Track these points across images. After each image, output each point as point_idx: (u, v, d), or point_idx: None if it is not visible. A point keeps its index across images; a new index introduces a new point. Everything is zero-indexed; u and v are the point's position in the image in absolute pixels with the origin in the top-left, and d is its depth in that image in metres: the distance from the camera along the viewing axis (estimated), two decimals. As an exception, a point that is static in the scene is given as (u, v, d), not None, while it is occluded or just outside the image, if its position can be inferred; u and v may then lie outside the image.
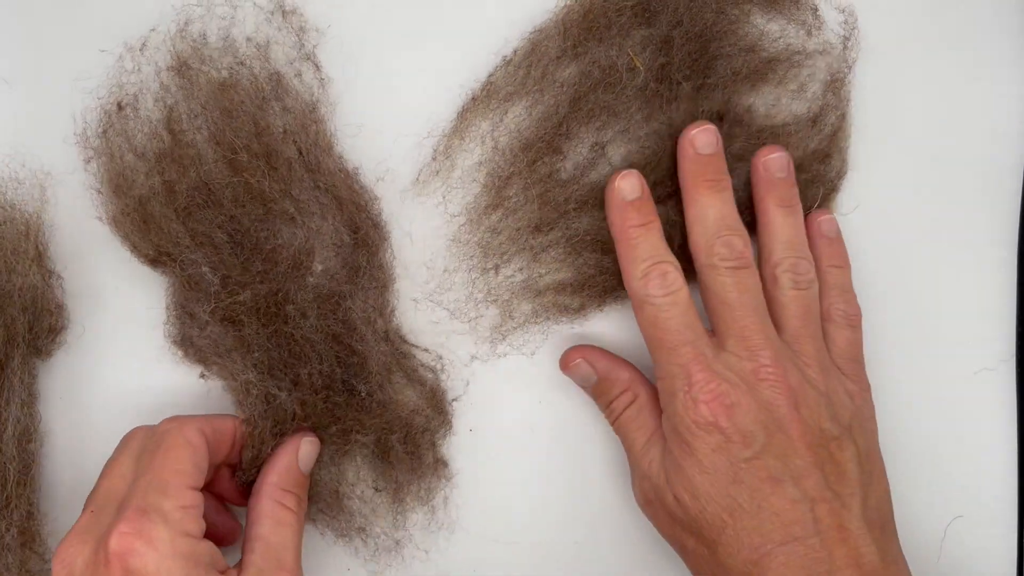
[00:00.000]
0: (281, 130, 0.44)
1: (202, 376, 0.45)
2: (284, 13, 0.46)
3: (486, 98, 0.46)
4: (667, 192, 0.46)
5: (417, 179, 0.46)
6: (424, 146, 0.46)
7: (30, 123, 0.46)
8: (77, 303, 0.46)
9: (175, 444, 0.39)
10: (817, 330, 0.43)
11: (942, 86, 0.47)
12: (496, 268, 0.46)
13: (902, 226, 0.47)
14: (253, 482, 0.43)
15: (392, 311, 0.46)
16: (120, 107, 0.45)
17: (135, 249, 0.45)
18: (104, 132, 0.45)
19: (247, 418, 0.43)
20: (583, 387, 0.46)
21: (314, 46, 0.46)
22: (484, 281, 0.46)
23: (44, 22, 0.47)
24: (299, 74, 0.45)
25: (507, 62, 0.46)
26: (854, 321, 0.44)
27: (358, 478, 0.45)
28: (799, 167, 0.45)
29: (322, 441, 0.44)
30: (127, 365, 0.46)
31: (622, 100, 0.45)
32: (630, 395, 0.44)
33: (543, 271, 0.46)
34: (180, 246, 0.44)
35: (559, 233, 0.46)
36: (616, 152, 0.46)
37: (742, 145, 0.45)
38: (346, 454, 0.45)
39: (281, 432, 0.43)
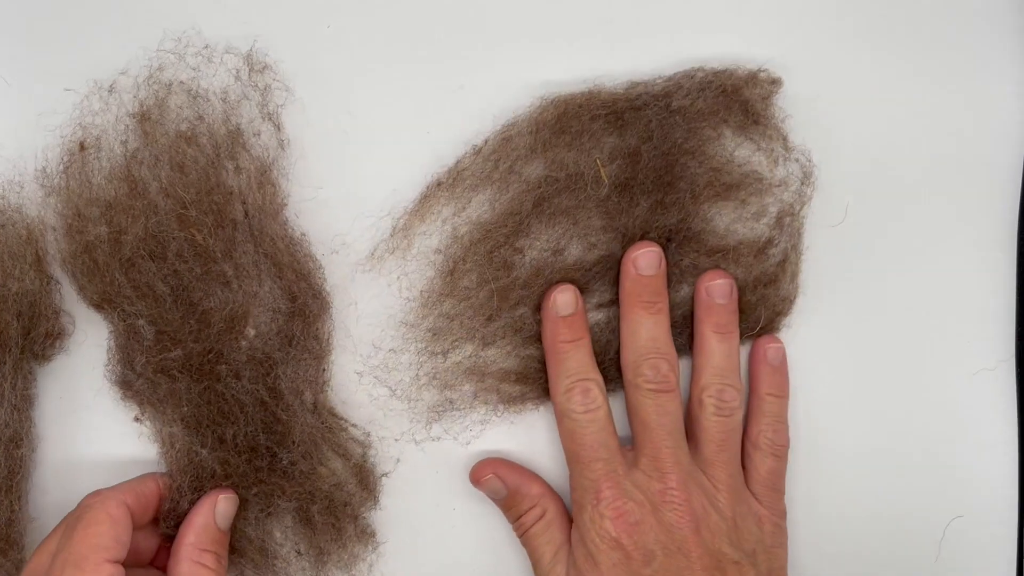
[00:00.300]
0: (231, 190, 0.44)
1: (136, 419, 0.46)
2: (252, 71, 0.45)
3: (451, 184, 0.46)
4: (616, 296, 0.46)
5: (372, 254, 0.46)
6: (383, 224, 0.46)
7: (36, 126, 0.45)
8: (82, 308, 0.46)
9: (95, 519, 0.40)
10: (734, 456, 0.45)
11: (941, 85, 0.47)
12: (445, 354, 0.46)
13: (902, 227, 0.47)
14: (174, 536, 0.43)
15: (325, 384, 0.46)
16: (83, 147, 0.44)
17: (81, 291, 0.45)
18: (65, 171, 0.44)
19: (168, 471, 0.44)
20: (493, 500, 0.47)
21: (279, 105, 0.45)
22: (431, 364, 0.46)
23: (48, 27, 0.46)
24: (258, 133, 0.45)
25: (477, 151, 0.46)
26: (780, 452, 0.46)
27: (285, 538, 0.46)
28: (747, 288, 0.46)
29: (246, 500, 0.44)
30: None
31: (584, 208, 0.46)
32: (539, 510, 0.45)
33: (491, 357, 0.47)
34: (121, 296, 0.44)
35: (509, 323, 0.46)
36: (571, 251, 0.46)
37: (692, 261, 0.46)
38: (271, 515, 0.45)
39: (200, 488, 0.44)
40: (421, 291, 0.46)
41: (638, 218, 0.45)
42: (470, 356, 0.46)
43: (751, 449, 0.46)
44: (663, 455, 0.43)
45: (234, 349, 0.44)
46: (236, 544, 0.45)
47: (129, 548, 0.41)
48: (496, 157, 0.46)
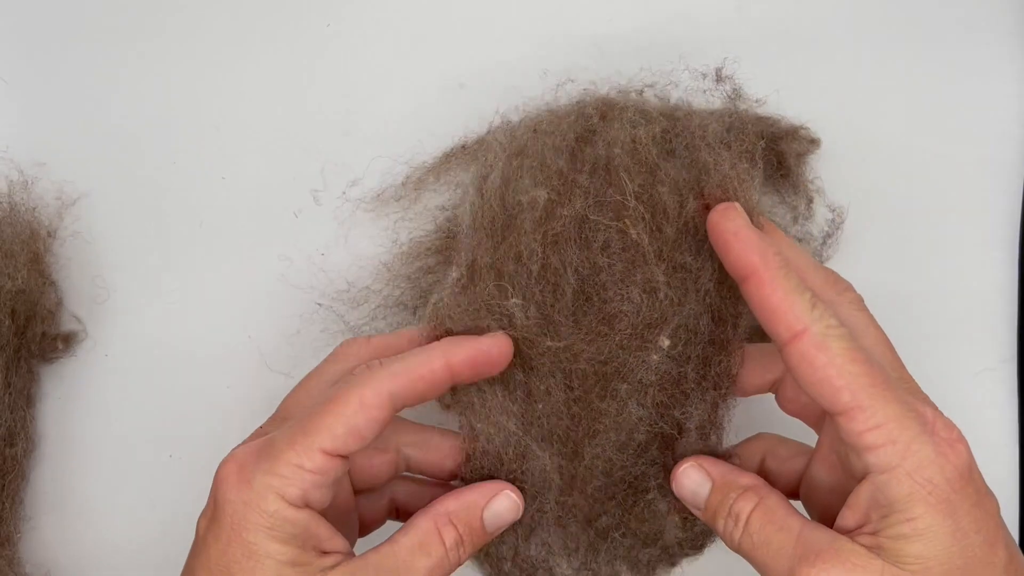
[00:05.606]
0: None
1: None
2: None
3: (476, 151, 0.46)
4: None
5: (378, 196, 0.46)
6: (397, 170, 0.46)
7: (57, 131, 0.46)
8: (90, 312, 0.46)
9: (343, 402, 0.34)
10: None
11: (941, 86, 0.47)
12: (414, 309, 0.44)
13: (904, 226, 0.47)
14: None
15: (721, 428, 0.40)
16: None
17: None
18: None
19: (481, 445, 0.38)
20: (691, 505, 0.38)
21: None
22: (398, 317, 0.44)
23: (100, 55, 0.47)
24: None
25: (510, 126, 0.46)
26: None
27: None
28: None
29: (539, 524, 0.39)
30: (130, 378, 0.46)
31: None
32: (753, 495, 0.36)
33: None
34: (523, 273, 0.38)
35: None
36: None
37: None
38: (593, 549, 0.39)
39: (520, 481, 0.38)
40: (412, 239, 0.45)
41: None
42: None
43: None
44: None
45: (641, 365, 0.37)
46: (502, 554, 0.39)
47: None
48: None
